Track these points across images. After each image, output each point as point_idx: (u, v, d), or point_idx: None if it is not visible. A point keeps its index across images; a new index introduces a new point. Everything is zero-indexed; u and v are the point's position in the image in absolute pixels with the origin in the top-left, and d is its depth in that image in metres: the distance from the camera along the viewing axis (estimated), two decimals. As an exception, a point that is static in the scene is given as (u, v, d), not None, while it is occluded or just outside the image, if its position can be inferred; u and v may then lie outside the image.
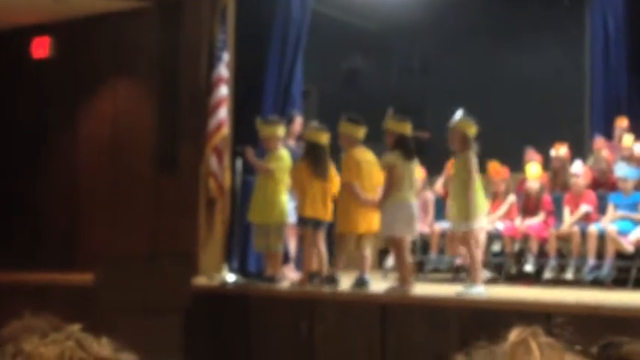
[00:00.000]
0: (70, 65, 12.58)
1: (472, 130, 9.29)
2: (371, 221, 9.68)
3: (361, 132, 9.86)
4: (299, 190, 10.16)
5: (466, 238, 9.37)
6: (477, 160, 9.32)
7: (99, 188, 12.14)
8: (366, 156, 9.85)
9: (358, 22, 15.66)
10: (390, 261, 11.08)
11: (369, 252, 9.95)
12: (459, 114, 9.47)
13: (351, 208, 9.71)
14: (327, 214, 9.99)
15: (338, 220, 9.85)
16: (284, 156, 10.36)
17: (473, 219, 9.21)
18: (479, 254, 9.48)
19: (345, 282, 9.76)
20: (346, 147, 9.87)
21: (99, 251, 11.42)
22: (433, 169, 12.35)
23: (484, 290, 9.13)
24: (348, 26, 15.44)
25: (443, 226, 11.47)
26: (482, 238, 10.20)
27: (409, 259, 9.55)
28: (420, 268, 11.60)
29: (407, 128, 9.54)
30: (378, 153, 9.89)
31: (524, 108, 14.92)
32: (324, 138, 10.06)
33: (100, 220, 12.03)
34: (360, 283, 9.72)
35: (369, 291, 9.48)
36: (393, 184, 9.31)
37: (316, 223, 10.05)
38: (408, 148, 9.44)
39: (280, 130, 10.41)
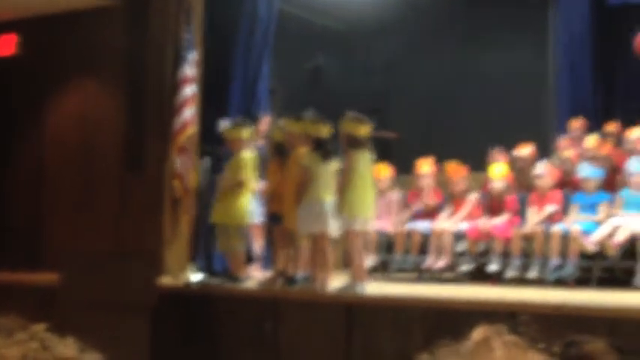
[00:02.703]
0: (36, 63, 12.49)
1: (359, 130, 9.37)
2: None
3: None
4: (271, 190, 10.20)
5: (347, 237, 9.47)
6: (368, 160, 9.42)
7: (64, 187, 12.07)
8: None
9: (324, 21, 15.67)
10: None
11: (303, 250, 9.99)
12: (347, 115, 9.54)
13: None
14: None
15: (288, 217, 9.91)
16: (247, 159, 10.39)
17: (350, 218, 9.30)
18: (360, 254, 9.54)
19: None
20: (296, 147, 9.93)
21: (63, 250, 11.36)
22: (400, 169, 12.39)
23: (363, 288, 9.23)
24: (313, 25, 15.45)
25: (407, 226, 11.53)
26: (369, 239, 10.73)
27: (329, 255, 9.63)
28: (384, 268, 11.63)
29: (324, 131, 9.62)
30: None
31: (489, 107, 14.98)
32: None
33: (65, 219, 11.96)
34: (291, 281, 9.81)
35: (333, 291, 9.47)
36: (305, 184, 9.46)
37: None
38: (324, 150, 9.54)
39: (245, 133, 10.45)
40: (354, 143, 9.37)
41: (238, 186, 10.31)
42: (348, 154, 9.38)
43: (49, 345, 1.48)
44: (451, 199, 11.62)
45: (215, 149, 11.18)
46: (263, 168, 10.64)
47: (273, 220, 10.26)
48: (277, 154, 10.24)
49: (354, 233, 9.40)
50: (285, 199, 9.89)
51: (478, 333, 1.39)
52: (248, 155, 10.41)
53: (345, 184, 9.31)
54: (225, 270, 10.96)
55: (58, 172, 12.17)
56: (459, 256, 11.25)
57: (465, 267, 11.07)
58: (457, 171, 11.59)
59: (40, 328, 1.53)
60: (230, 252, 10.48)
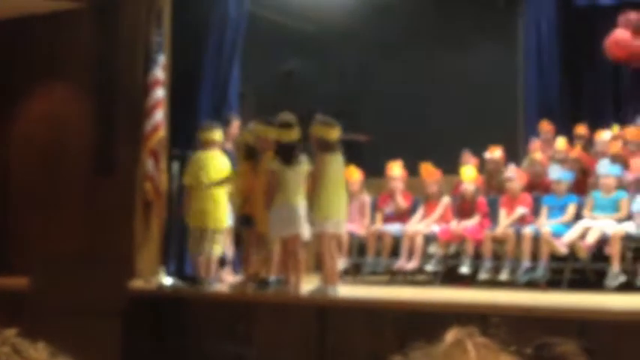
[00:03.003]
0: (4, 66, 12.41)
1: (329, 133, 9.40)
2: None
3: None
4: (243, 193, 10.19)
5: (320, 240, 9.51)
6: (339, 163, 9.45)
7: (34, 191, 12.00)
8: None
9: (295, 24, 15.66)
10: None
11: (275, 254, 10.01)
12: (317, 118, 9.55)
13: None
14: None
15: (260, 220, 9.94)
16: (196, 160, 10.47)
17: (322, 221, 9.33)
18: (333, 257, 9.55)
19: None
20: (267, 151, 9.95)
21: (33, 254, 11.29)
22: (370, 172, 12.39)
23: (335, 291, 9.28)
24: (285, 28, 15.44)
25: (379, 228, 11.54)
26: (341, 241, 10.71)
27: (303, 257, 9.68)
28: (356, 270, 11.64)
29: (290, 135, 9.62)
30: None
31: (460, 110, 15.01)
32: None
33: (34, 224, 11.89)
34: (264, 284, 9.82)
35: (305, 294, 9.47)
36: (273, 188, 9.48)
37: None
38: (286, 154, 9.55)
39: (217, 135, 10.55)
40: (325, 147, 9.39)
41: (188, 188, 10.41)
42: (319, 157, 9.39)
43: (20, 349, 1.48)
44: (424, 201, 11.64)
45: (184, 152, 11.17)
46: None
47: (245, 223, 10.25)
48: (248, 157, 10.24)
49: (326, 236, 9.41)
50: (256, 202, 9.91)
51: (450, 335, 1.40)
52: (203, 156, 10.48)
53: (316, 187, 9.32)
54: (196, 274, 10.95)
55: (26, 176, 12.10)
56: (430, 258, 11.26)
57: (431, 267, 11.08)
58: (431, 173, 11.62)
59: (11, 333, 1.52)
60: (202, 255, 10.50)
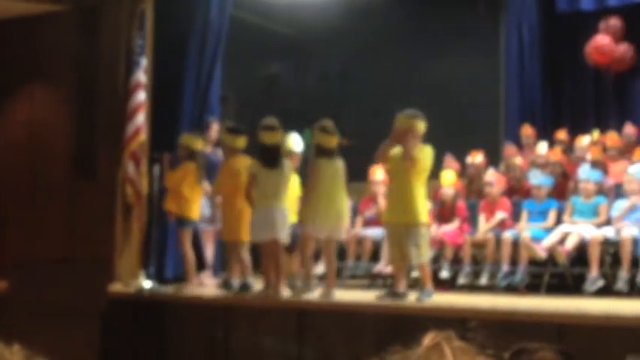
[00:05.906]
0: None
1: (326, 140, 9.48)
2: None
3: (241, 141, 10.06)
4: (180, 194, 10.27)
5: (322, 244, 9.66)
6: (334, 168, 9.50)
7: (14, 193, 11.93)
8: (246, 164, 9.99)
9: (277, 27, 15.66)
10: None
11: (247, 256, 10.06)
12: (317, 124, 9.62)
13: (237, 215, 9.83)
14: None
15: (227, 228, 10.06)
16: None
17: (304, 223, 9.43)
18: (332, 261, 9.67)
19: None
20: (228, 156, 10.04)
21: (14, 257, 11.24)
22: (351, 176, 12.37)
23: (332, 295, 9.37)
24: (266, 32, 15.44)
25: (359, 232, 11.54)
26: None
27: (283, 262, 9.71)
28: (336, 274, 11.62)
29: (271, 138, 9.62)
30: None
31: (442, 115, 15.01)
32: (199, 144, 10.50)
33: (15, 227, 11.83)
34: (245, 287, 9.83)
35: (285, 297, 9.47)
36: (249, 191, 9.54)
37: None
38: (268, 157, 9.56)
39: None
40: (320, 152, 9.44)
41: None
42: (314, 162, 9.44)
43: (-5, 352, 1.47)
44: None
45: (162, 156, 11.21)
46: (211, 174, 10.68)
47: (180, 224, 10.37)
48: (189, 160, 10.49)
49: (305, 237, 9.47)
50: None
51: (428, 339, 1.39)
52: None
53: (309, 191, 9.38)
54: (176, 277, 10.93)
55: (6, 178, 12.03)
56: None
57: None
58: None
59: (-14, 335, 1.51)
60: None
